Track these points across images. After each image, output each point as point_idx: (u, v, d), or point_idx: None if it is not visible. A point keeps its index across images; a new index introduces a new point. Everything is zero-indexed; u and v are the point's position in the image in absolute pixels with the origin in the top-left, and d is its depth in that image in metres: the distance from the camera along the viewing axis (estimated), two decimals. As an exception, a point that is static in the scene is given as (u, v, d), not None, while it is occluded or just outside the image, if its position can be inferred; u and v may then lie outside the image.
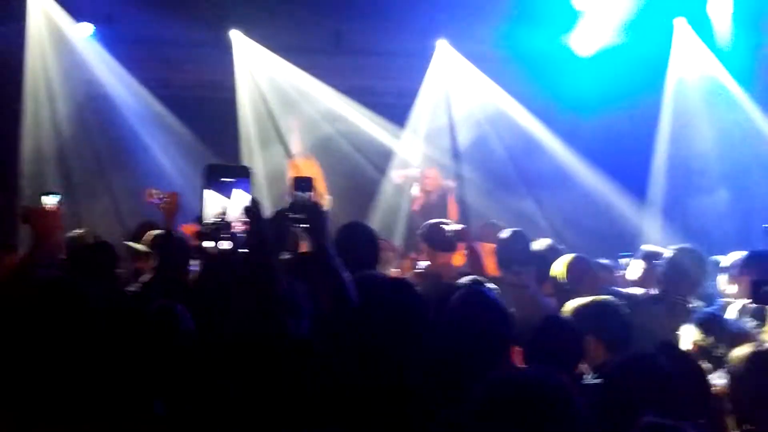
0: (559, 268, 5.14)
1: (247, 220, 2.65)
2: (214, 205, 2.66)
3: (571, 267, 5.09)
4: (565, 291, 4.87)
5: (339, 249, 4.53)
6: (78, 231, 6.12)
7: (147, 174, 8.65)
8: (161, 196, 5.25)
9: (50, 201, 4.73)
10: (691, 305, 4.97)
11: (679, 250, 5.36)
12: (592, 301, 3.97)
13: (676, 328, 4.32)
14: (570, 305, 4.04)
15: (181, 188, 8.39)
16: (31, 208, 4.16)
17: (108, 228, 7.84)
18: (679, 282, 5.11)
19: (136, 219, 6.76)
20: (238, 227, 2.65)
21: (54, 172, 8.43)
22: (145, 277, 4.65)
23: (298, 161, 8.91)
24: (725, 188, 8.36)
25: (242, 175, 2.71)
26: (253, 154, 9.18)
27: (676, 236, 6.31)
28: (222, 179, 2.68)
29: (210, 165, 2.71)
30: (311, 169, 8.57)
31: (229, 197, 2.68)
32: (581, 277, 4.97)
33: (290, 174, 8.52)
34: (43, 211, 4.11)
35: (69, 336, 2.90)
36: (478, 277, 4.92)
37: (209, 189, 2.67)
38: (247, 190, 2.69)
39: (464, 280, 4.78)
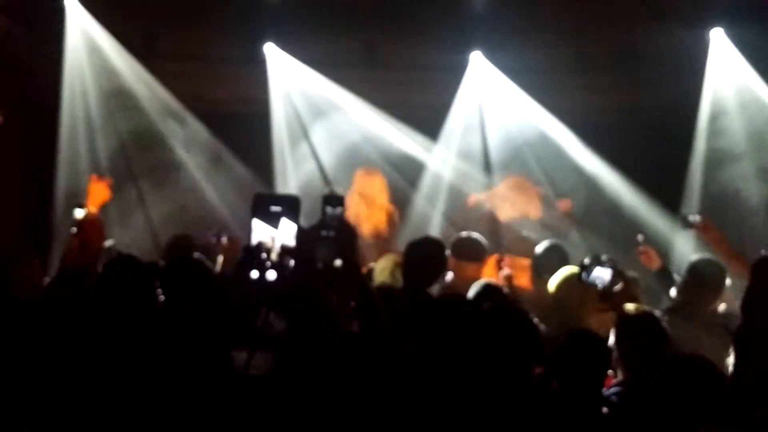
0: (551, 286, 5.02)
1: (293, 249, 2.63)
2: (261, 234, 2.63)
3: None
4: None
5: (408, 263, 4.71)
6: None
7: (181, 190, 8.76)
8: (224, 237, 5.31)
9: (82, 213, 4.74)
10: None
11: (700, 260, 5.29)
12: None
13: (695, 339, 4.28)
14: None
15: (216, 206, 8.56)
16: (84, 218, 4.22)
17: (142, 244, 7.91)
18: (698, 292, 5.02)
19: (169, 233, 6.81)
20: (285, 257, 2.62)
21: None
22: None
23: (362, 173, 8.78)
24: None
25: (290, 205, 2.68)
26: (287, 169, 9.20)
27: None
28: (270, 208, 2.66)
29: (258, 194, 2.71)
30: (375, 182, 8.57)
31: (276, 226, 2.65)
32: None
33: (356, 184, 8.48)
34: (93, 220, 4.18)
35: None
36: (491, 281, 4.92)
37: (257, 218, 2.64)
38: (295, 219, 2.66)
39: (478, 283, 4.77)
